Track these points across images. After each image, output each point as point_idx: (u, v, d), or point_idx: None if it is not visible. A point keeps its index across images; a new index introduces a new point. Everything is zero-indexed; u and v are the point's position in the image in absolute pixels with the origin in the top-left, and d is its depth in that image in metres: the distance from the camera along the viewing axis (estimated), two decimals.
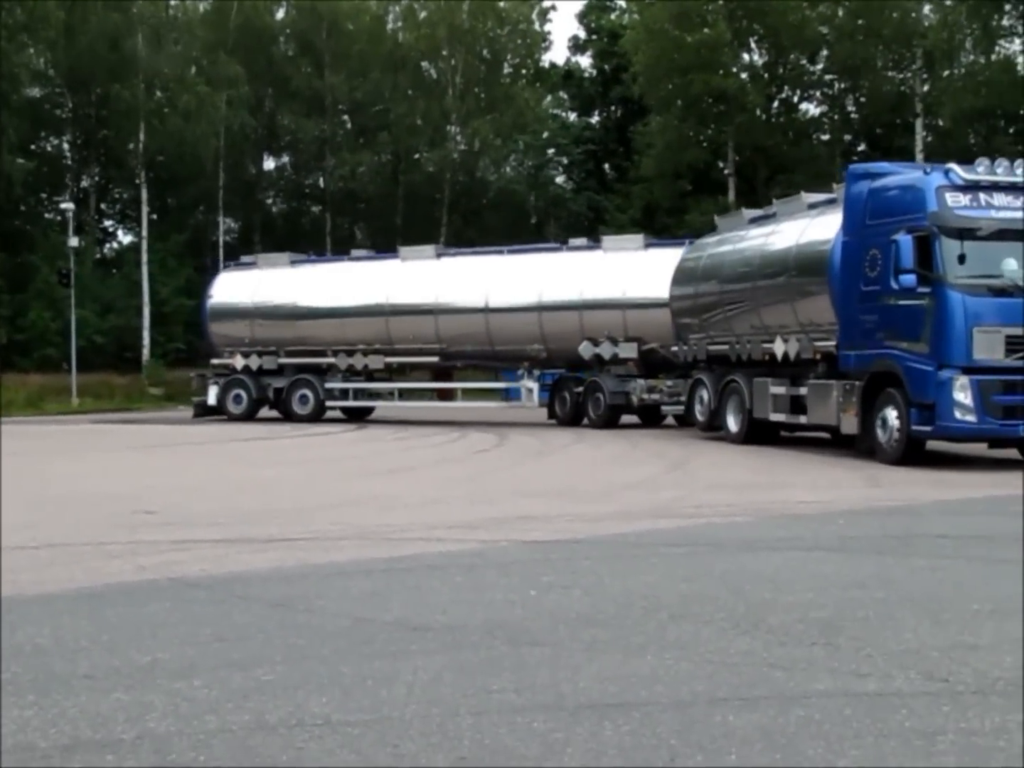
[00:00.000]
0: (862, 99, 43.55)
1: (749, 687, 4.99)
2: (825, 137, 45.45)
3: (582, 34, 56.87)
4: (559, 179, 54.65)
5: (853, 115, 44.84)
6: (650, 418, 25.15)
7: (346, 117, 53.83)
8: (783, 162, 41.97)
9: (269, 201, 55.82)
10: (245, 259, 31.53)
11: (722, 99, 40.20)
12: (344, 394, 27.92)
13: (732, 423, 19.68)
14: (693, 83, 38.75)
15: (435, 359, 26.81)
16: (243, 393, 28.36)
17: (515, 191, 51.31)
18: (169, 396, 39.67)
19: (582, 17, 56.53)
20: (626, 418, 25.07)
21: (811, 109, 45.76)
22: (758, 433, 19.10)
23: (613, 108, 54.69)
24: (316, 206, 55.21)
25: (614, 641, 5.79)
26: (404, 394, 28.59)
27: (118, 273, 48.88)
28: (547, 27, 53.15)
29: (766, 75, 42.71)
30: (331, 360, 27.55)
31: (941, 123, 38.91)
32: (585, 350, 24.57)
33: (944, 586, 7.26)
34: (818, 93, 44.69)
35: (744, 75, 41.84)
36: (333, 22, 49.67)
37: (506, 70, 53.01)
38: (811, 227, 18.02)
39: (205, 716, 4.58)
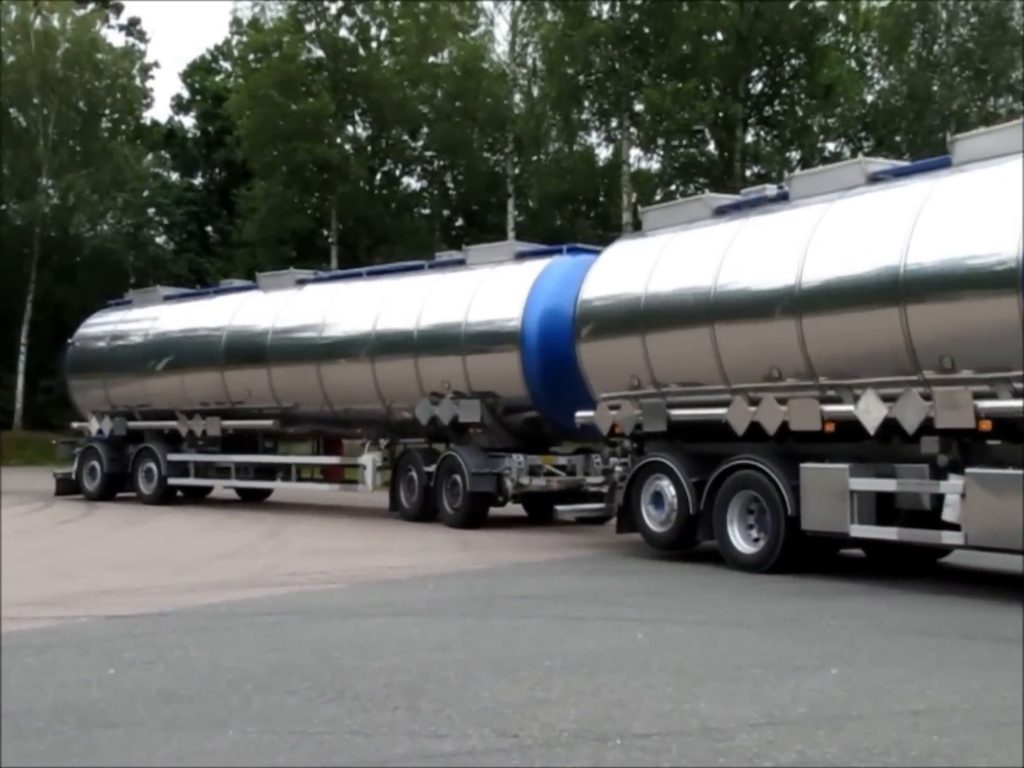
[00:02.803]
0: (460, 177, 45.54)
1: (330, 755, 5.02)
2: (425, 211, 47.06)
3: (186, 94, 55.99)
4: (159, 239, 53.14)
5: (452, 191, 46.76)
6: (541, 510, 17.17)
7: None
8: (385, 232, 43.00)
9: None
10: (131, 295, 25.47)
11: (326, 168, 40.72)
12: (185, 469, 21.44)
13: (740, 540, 11.82)
14: (297, 151, 39.01)
15: (269, 423, 20.16)
16: (97, 465, 22.69)
17: (112, 249, 49.32)
18: None
19: (186, 77, 55.68)
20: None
21: (412, 183, 47.34)
22: (805, 555, 11.50)
23: (217, 170, 54.02)
24: None
25: (195, 717, 5.64)
26: (250, 472, 21.08)
27: None
28: (149, 84, 51.83)
29: (369, 148, 43.76)
30: (174, 424, 21.63)
31: (531, 204, 41.36)
32: (422, 411, 17.16)
33: (522, 644, 7.62)
34: (419, 168, 46.28)
35: (348, 146, 42.64)
36: None
37: (104, 124, 51.07)
38: (938, 198, 10.51)
39: None
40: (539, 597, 9.95)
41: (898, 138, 34.63)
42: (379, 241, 42.99)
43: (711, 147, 35.19)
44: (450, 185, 46.78)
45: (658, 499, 12.79)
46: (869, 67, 38.21)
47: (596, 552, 13.40)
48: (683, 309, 12.64)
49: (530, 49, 39.90)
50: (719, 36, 34.31)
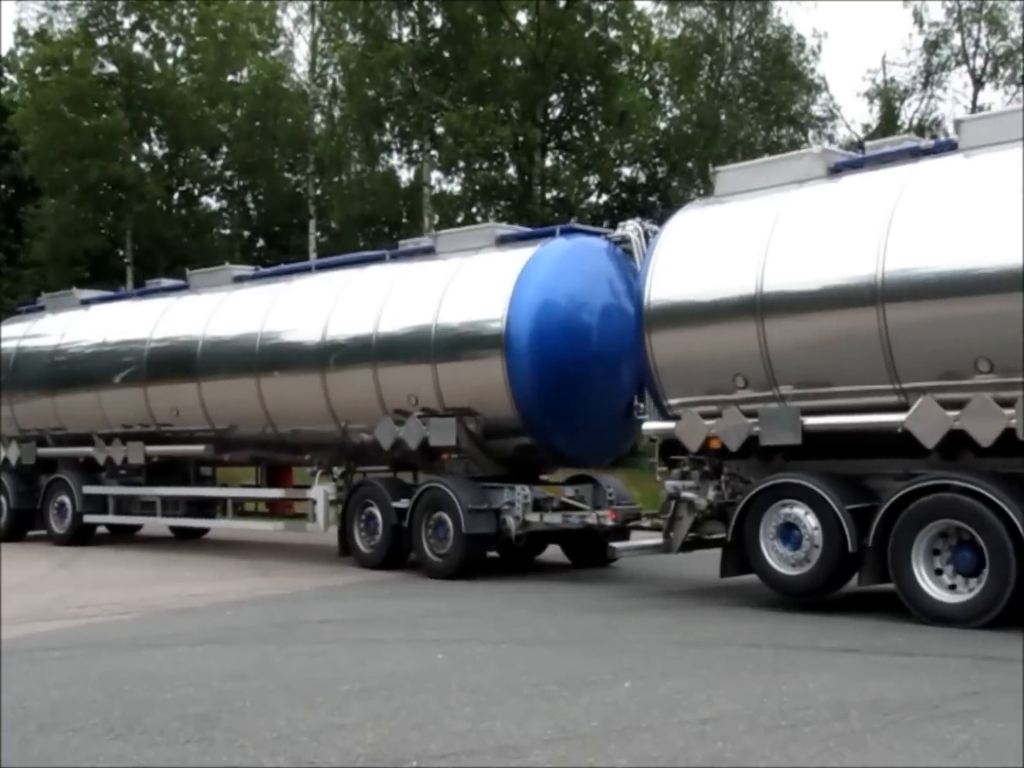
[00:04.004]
0: (260, 197, 44.91)
1: None
2: (226, 231, 46.18)
3: None
4: None
5: (252, 212, 46.06)
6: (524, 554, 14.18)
7: None
8: (184, 253, 41.90)
9: None
10: (43, 299, 21.74)
11: (120, 187, 39.52)
12: (104, 504, 18.29)
13: (931, 585, 9.19)
14: (90, 168, 37.74)
15: (200, 448, 17.05)
16: (2, 500, 19.53)
17: None
18: None
19: None
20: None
21: (211, 203, 46.39)
22: None
23: (2, 187, 51.72)
24: None
25: None
26: (181, 507, 17.85)
27: None
28: None
29: (166, 166, 42.69)
30: (90, 450, 18.43)
31: (333, 225, 41.12)
32: (384, 433, 13.98)
33: (320, 670, 7.55)
34: (218, 188, 45.41)
35: (144, 165, 41.49)
36: None
37: None
38: None
39: None
40: (339, 621, 9.88)
41: (690, 164, 35.90)
42: (177, 261, 41.90)
43: (511, 170, 35.74)
44: (251, 205, 46.10)
45: (789, 532, 10.06)
46: (662, 96, 39.59)
47: (396, 575, 13.36)
48: (830, 287, 10.01)
49: (330, 70, 39.74)
50: (518, 62, 34.94)
